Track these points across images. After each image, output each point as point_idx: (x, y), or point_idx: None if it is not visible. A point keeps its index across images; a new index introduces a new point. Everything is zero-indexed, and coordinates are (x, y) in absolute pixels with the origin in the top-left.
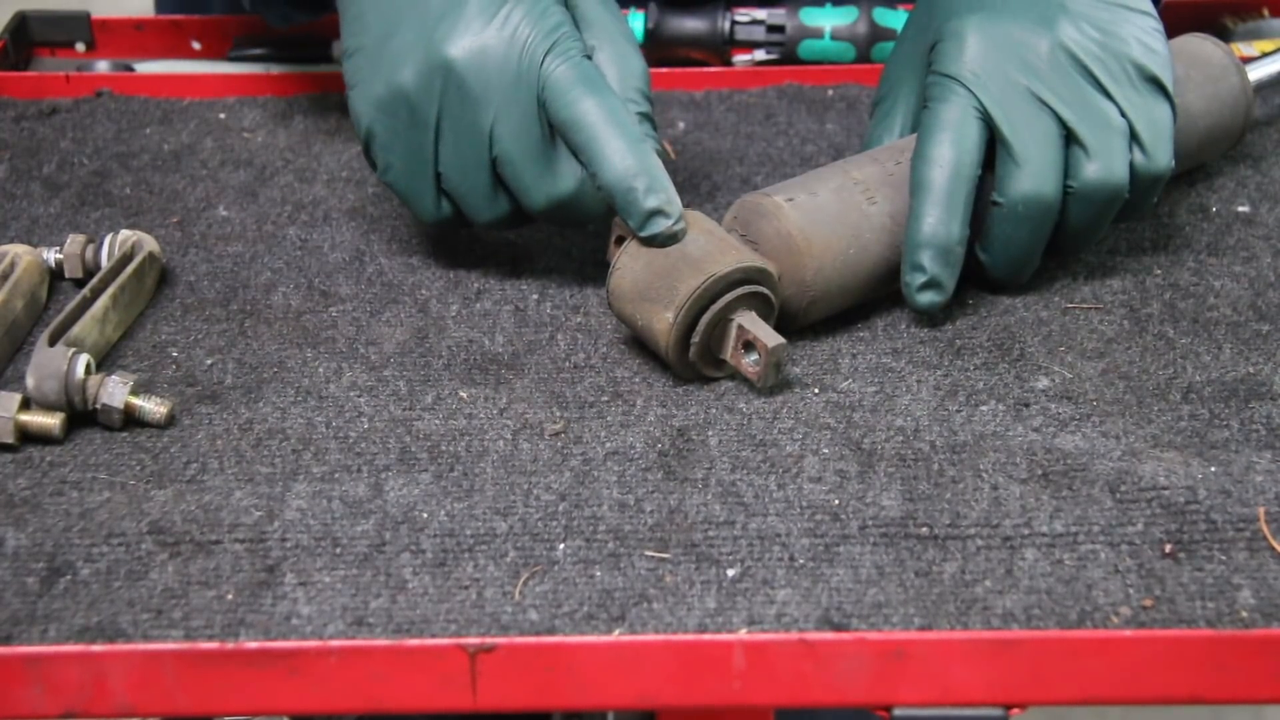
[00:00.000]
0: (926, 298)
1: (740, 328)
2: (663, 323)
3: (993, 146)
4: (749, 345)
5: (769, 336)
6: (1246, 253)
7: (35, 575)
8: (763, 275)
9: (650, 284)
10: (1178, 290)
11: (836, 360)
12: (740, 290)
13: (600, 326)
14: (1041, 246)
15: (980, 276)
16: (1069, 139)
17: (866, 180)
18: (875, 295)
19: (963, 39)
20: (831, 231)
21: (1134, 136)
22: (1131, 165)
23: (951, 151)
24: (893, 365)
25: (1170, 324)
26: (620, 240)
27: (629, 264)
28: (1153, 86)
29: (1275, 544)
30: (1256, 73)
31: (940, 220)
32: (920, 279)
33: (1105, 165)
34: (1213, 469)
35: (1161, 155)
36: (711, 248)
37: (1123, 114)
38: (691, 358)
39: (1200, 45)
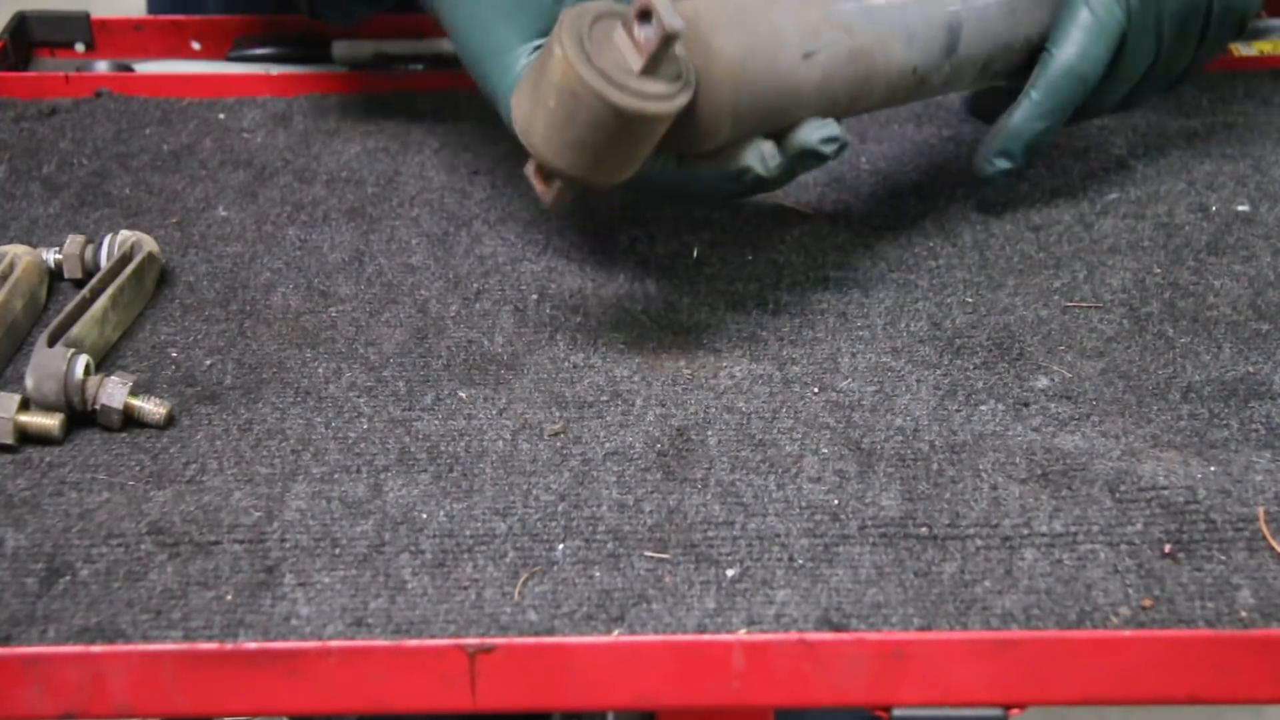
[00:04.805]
0: (1000, 174)
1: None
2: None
3: None
4: (645, 15)
5: (671, 17)
6: (1246, 252)
7: (34, 576)
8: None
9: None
10: (1178, 290)
11: (836, 360)
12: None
13: (600, 326)
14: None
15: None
16: None
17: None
18: (852, 101)
19: None
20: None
21: None
22: None
23: (1085, 63)
24: (892, 365)
25: (1170, 323)
26: (541, 170)
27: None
28: None
29: (1275, 544)
30: None
31: (1046, 119)
32: (1004, 165)
33: None
34: (1212, 469)
35: None
36: None
37: None
38: (587, 64)
39: None
